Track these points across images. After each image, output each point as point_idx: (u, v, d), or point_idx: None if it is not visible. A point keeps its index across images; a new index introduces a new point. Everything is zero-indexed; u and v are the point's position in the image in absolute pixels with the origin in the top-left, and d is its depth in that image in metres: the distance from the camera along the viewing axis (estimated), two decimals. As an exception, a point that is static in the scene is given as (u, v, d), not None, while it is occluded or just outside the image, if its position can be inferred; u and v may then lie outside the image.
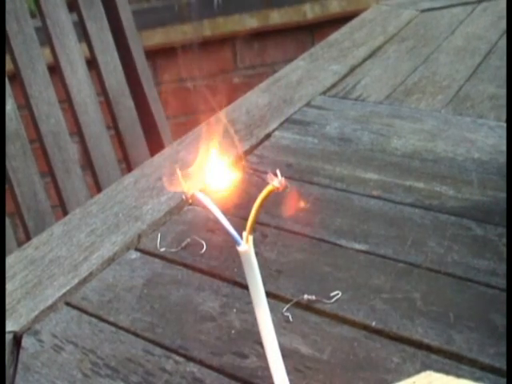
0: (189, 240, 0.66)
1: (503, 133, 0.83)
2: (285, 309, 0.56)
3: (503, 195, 0.70)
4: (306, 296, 0.57)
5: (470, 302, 0.56)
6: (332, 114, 0.92)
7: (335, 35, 1.24)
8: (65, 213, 1.10)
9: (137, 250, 0.66)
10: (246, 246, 0.42)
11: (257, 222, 0.41)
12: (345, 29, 1.28)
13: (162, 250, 0.65)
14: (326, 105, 0.95)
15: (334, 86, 1.02)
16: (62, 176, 1.13)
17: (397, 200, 0.71)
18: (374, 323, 0.54)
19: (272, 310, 0.45)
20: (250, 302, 0.45)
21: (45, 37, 1.16)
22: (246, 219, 0.42)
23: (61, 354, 0.54)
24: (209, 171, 0.41)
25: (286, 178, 0.39)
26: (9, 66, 1.12)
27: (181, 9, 1.92)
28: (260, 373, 0.50)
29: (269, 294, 0.47)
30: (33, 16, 1.18)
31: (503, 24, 1.22)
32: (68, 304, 0.59)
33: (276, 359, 0.45)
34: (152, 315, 0.57)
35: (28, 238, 1.06)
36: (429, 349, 0.52)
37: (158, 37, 1.88)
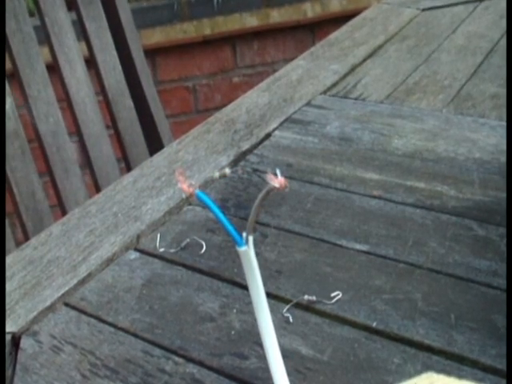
0: (188, 240, 0.65)
1: (504, 132, 0.83)
2: (285, 309, 0.56)
3: (504, 195, 0.70)
4: (306, 296, 0.57)
5: (472, 303, 0.55)
6: (332, 113, 0.92)
7: (336, 34, 1.24)
8: (63, 213, 1.09)
9: (136, 250, 0.66)
10: (245, 246, 0.42)
11: (257, 221, 0.41)
12: (345, 28, 1.27)
13: (162, 250, 0.65)
14: (327, 104, 0.95)
15: (334, 85, 1.01)
16: (60, 176, 1.13)
17: (398, 200, 0.70)
18: (374, 324, 0.54)
19: (272, 310, 0.45)
20: (249, 303, 0.45)
21: (43, 36, 1.16)
22: (245, 219, 0.41)
23: (59, 354, 0.53)
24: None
25: (286, 177, 0.39)
26: (7, 65, 1.12)
27: (180, 7, 1.91)
28: (260, 374, 0.50)
29: (269, 295, 0.47)
30: (31, 15, 1.18)
31: (504, 23, 1.22)
32: (67, 305, 0.59)
33: (276, 360, 0.45)
34: (151, 316, 0.57)
35: (26, 238, 1.06)
36: (430, 350, 0.51)
37: (157, 36, 1.88)
